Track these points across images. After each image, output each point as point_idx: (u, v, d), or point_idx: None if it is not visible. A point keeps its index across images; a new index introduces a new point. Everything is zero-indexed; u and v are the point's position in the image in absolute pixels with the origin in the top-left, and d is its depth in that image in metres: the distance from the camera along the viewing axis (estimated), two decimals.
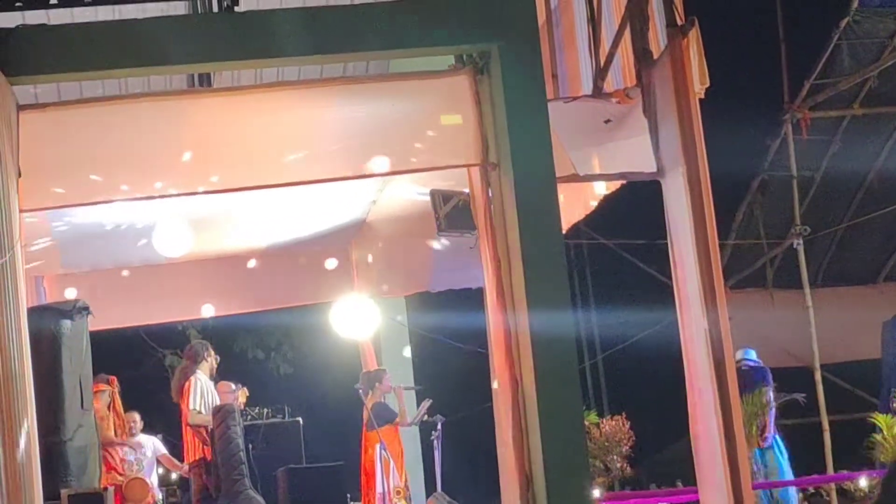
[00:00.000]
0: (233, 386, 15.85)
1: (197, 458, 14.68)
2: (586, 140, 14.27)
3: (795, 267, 20.09)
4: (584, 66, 15.10)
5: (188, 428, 14.93)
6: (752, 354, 16.79)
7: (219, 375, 15.62)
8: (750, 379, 16.06)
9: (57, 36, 12.62)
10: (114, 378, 15.07)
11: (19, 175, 11.81)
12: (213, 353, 15.63)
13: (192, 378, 15.06)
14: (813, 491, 18.70)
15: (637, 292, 19.43)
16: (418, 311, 19.29)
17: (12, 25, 12.27)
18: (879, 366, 19.85)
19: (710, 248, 12.57)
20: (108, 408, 14.83)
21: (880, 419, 17.07)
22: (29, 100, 12.71)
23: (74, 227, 14.96)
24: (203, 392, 14.83)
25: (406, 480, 16.05)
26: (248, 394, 15.84)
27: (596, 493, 17.44)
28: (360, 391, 16.13)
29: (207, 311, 18.21)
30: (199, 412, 14.58)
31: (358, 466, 15.82)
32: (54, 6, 12.71)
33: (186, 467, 15.21)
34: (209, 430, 14.48)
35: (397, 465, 15.73)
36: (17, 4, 12.49)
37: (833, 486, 18.39)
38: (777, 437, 16.39)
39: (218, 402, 15.15)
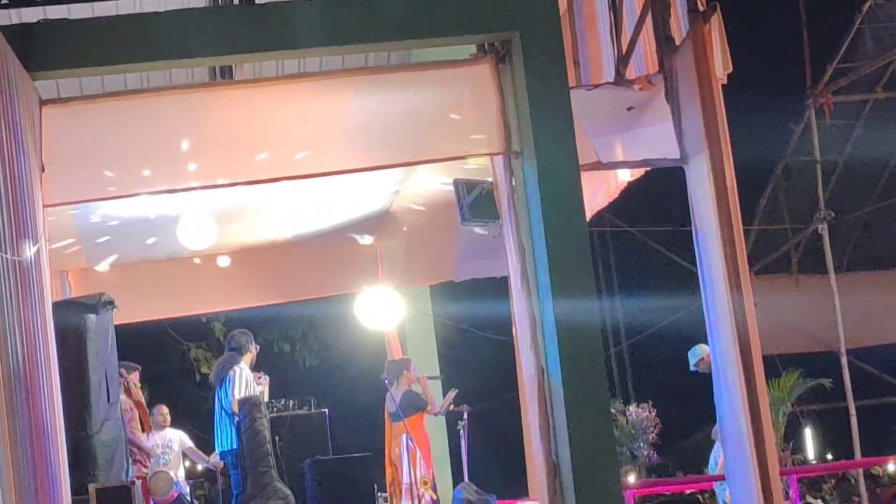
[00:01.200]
0: (265, 378, 15.90)
1: (233, 447, 14.71)
2: (609, 127, 14.27)
3: (820, 252, 20.08)
4: (605, 53, 15.07)
5: (225, 416, 14.95)
6: (706, 349, 16.84)
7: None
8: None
9: (78, 30, 12.63)
10: (134, 368, 15.07)
11: (42, 170, 11.84)
12: (253, 345, 15.68)
13: (237, 368, 15.10)
14: (841, 476, 18.68)
15: (662, 279, 19.42)
16: (442, 300, 19.30)
17: (34, 20, 12.30)
18: None
19: (735, 233, 12.56)
20: (131, 397, 14.84)
21: None
22: (51, 94, 12.74)
23: (98, 221, 14.98)
24: (248, 382, 14.87)
25: (433, 470, 16.06)
26: (268, 381, 15.89)
27: (631, 478, 17.48)
28: (386, 380, 16.14)
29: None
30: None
31: (384, 457, 15.85)
32: (74, 1, 12.71)
33: (215, 458, 15.24)
34: (237, 421, 14.53)
35: (424, 455, 15.73)
36: (37, 1, 12.51)
37: (861, 470, 18.36)
38: None
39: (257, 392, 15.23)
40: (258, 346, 15.80)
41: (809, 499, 18.38)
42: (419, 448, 15.72)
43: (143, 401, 15.37)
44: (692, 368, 16.36)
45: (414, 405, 15.98)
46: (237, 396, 14.80)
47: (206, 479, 15.44)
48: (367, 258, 18.37)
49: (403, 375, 16.25)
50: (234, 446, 14.72)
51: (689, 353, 16.61)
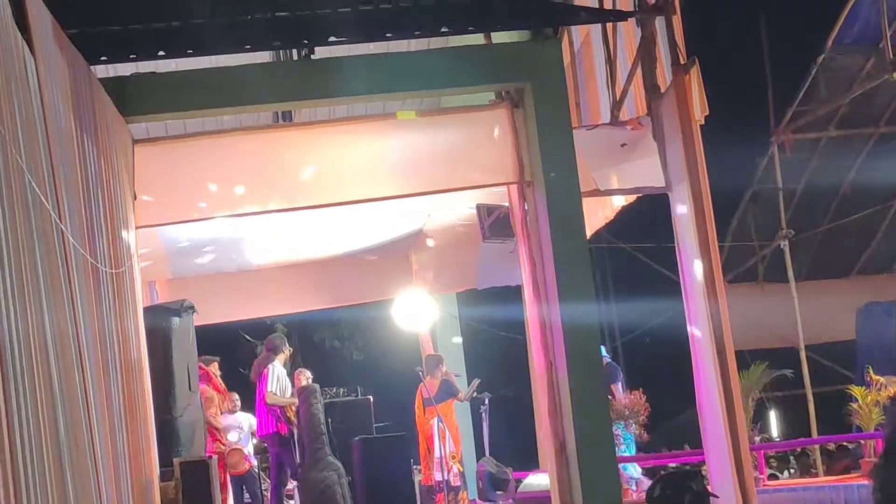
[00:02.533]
0: (307, 373, 15.89)
1: (270, 432, 14.72)
2: (605, 160, 14.26)
3: (782, 264, 20.03)
4: (602, 98, 15.08)
5: (264, 406, 14.97)
6: (603, 350, 16.75)
7: (299, 363, 15.69)
8: (607, 372, 15.98)
9: (164, 81, 12.69)
10: (212, 361, 15.10)
11: (135, 197, 11.90)
12: (288, 345, 15.68)
13: (270, 366, 15.11)
14: (800, 451, 18.61)
15: (649, 287, 19.36)
16: (467, 305, 19.30)
17: (128, 73, 12.37)
18: (854, 346, 19.81)
19: (711, 248, 12.57)
20: (210, 385, 14.86)
21: (856, 391, 17.00)
22: (142, 134, 12.81)
23: (180, 240, 15.02)
24: (279, 378, 14.87)
25: (460, 447, 16.05)
26: (311, 376, 15.87)
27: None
28: (422, 372, 16.14)
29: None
30: (275, 394, 14.64)
31: (417, 436, 15.82)
32: (162, 57, 12.76)
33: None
34: (294, 407, 14.53)
35: (452, 434, 15.73)
36: (132, 56, 12.56)
37: (817, 447, 18.30)
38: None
39: (290, 387, 15.22)
40: (291, 349, 15.81)
41: (774, 471, 18.30)
42: (448, 428, 15.72)
43: (222, 387, 15.41)
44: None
45: (449, 392, 15.98)
46: (270, 390, 14.82)
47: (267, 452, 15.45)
48: (403, 269, 18.37)
49: (438, 368, 16.24)
50: (271, 431, 14.73)
51: None
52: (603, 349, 16.60)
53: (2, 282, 5.01)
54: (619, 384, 15.99)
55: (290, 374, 15.64)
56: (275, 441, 14.67)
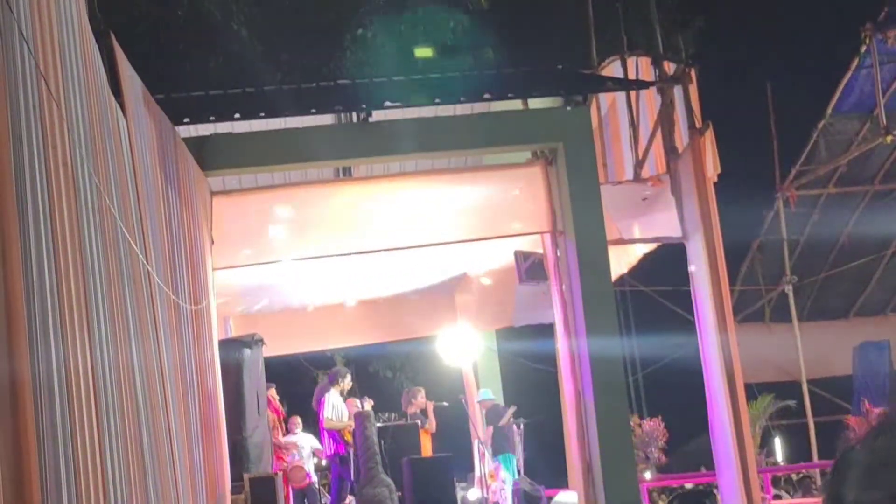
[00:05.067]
0: (357, 402, 15.86)
1: (332, 452, 14.71)
2: (629, 213, 14.24)
3: (787, 306, 19.93)
4: (626, 158, 15.06)
5: (324, 431, 14.99)
6: (489, 393, 16.60)
7: (355, 391, 15.67)
8: (495, 412, 15.84)
9: (239, 140, 12.78)
10: (273, 387, 15.13)
11: (212, 242, 11.95)
12: (348, 378, 15.66)
13: (327, 395, 15.11)
14: (803, 474, 18.46)
15: (667, 326, 19.26)
16: (505, 340, 19.25)
17: (207, 133, 12.45)
18: (852, 380, 19.68)
19: (723, 292, 12.54)
20: (275, 410, 14.88)
21: (852, 420, 16.92)
22: (219, 187, 12.87)
23: (252, 281, 15.08)
24: (334, 405, 14.86)
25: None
26: (372, 402, 15.84)
27: (646, 475, 17.30)
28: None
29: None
30: (331, 419, 14.64)
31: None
32: (237, 119, 12.84)
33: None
34: (345, 433, 14.52)
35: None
36: (211, 118, 12.65)
37: (818, 470, 18.15)
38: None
39: (346, 412, 15.20)
40: (350, 382, 15.77)
41: (778, 491, 18.15)
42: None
43: (281, 410, 15.42)
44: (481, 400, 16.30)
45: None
46: (327, 416, 14.81)
47: (329, 471, 15.44)
48: (448, 308, 18.36)
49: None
50: (332, 452, 14.72)
51: (480, 393, 16.54)
52: (489, 392, 16.53)
53: (97, 317, 5.04)
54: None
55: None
56: (336, 460, 14.67)
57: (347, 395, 15.75)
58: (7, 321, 3.63)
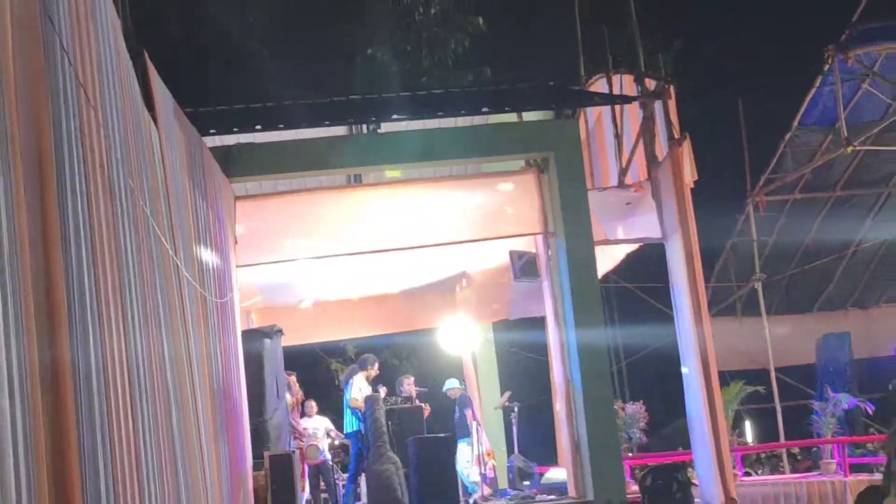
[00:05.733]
0: (381, 387, 15.83)
1: (353, 429, 14.65)
2: (613, 216, 14.24)
3: (756, 301, 19.90)
4: (611, 166, 15.04)
5: (348, 409, 14.93)
6: (455, 382, 16.48)
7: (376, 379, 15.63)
8: (462, 401, 15.74)
9: (260, 150, 12.76)
10: (292, 374, 15.07)
11: (236, 242, 11.92)
12: (376, 366, 15.59)
13: (355, 378, 15.06)
14: (771, 453, 18.43)
15: (648, 319, 19.23)
16: (501, 331, 19.22)
17: (232, 144, 12.43)
18: (815, 368, 19.67)
19: (698, 288, 12.51)
20: (293, 394, 14.82)
21: (817, 405, 16.89)
22: (241, 192, 12.84)
23: (271, 277, 15.04)
24: (360, 388, 14.80)
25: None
26: (386, 390, 15.78)
27: (629, 454, 17.23)
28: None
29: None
30: (356, 399, 14.57)
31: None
32: (258, 131, 12.82)
33: (344, 437, 15.19)
34: (362, 412, 14.47)
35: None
36: (234, 129, 12.62)
37: (784, 450, 18.12)
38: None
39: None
40: (378, 370, 15.71)
41: (748, 468, 18.11)
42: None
43: (301, 395, 15.37)
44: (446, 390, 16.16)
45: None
46: (352, 396, 14.75)
47: (341, 450, 15.37)
48: (449, 303, 18.31)
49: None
50: (354, 429, 14.65)
51: (446, 382, 16.42)
52: (457, 381, 16.46)
53: (131, 308, 5.00)
54: (471, 410, 15.81)
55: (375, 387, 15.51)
56: (357, 437, 14.59)
57: (375, 381, 15.62)
58: (49, 312, 3.59)
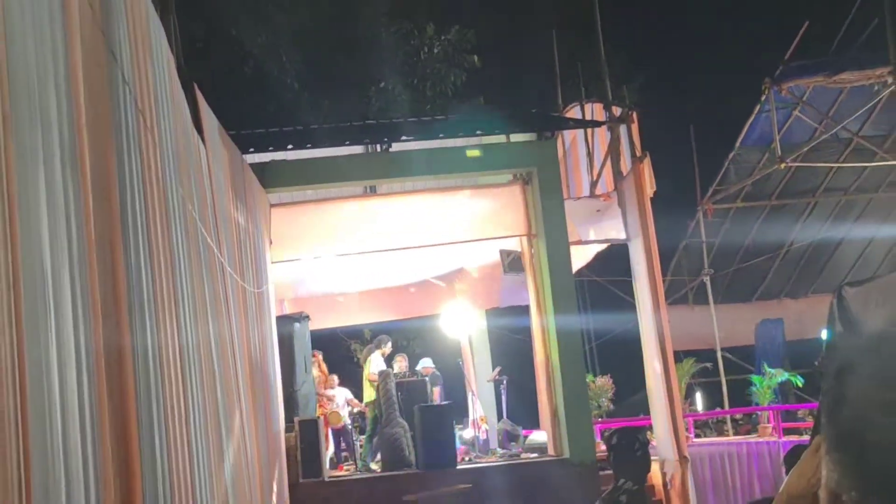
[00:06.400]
0: (402, 356, 15.75)
1: (371, 399, 14.61)
2: (586, 221, 14.21)
3: (705, 292, 19.87)
4: (584, 179, 15.03)
5: (366, 382, 14.89)
6: (429, 361, 16.33)
7: (392, 356, 15.57)
8: (433, 380, 15.63)
9: (292, 165, 12.76)
10: (317, 353, 15.04)
11: (270, 242, 11.90)
12: (389, 345, 15.53)
13: (372, 356, 15.03)
14: (717, 419, 18.40)
15: (614, 307, 19.19)
16: (493, 317, 19.17)
17: (267, 160, 12.41)
18: (754, 349, 19.68)
19: (656, 281, 12.49)
20: (318, 369, 14.80)
21: (755, 379, 16.88)
22: (276, 200, 12.82)
23: (301, 271, 15.02)
24: (376, 364, 14.75)
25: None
26: (405, 360, 15.73)
27: (599, 419, 17.19)
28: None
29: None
30: (374, 373, 14.52)
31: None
32: (290, 150, 12.81)
33: (363, 405, 15.14)
34: (377, 385, 14.42)
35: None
36: (270, 148, 12.61)
37: (728, 416, 18.10)
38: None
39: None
40: (391, 348, 15.65)
41: (699, 431, 18.07)
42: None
43: (325, 370, 15.35)
44: (418, 369, 15.96)
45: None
46: (370, 370, 14.71)
47: (359, 416, 15.33)
48: (449, 293, 18.28)
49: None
50: (371, 399, 14.62)
51: (420, 361, 16.23)
52: (430, 360, 16.34)
53: (182, 299, 4.97)
54: (440, 388, 15.74)
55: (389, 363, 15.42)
56: (374, 405, 14.55)
57: (390, 357, 15.52)
58: (114, 304, 3.56)
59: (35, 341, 2.57)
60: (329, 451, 13.95)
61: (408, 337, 23.53)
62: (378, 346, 15.33)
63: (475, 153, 13.00)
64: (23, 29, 2.70)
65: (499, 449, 14.63)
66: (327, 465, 12.82)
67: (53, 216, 2.84)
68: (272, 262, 11.98)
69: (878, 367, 1.00)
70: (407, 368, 15.60)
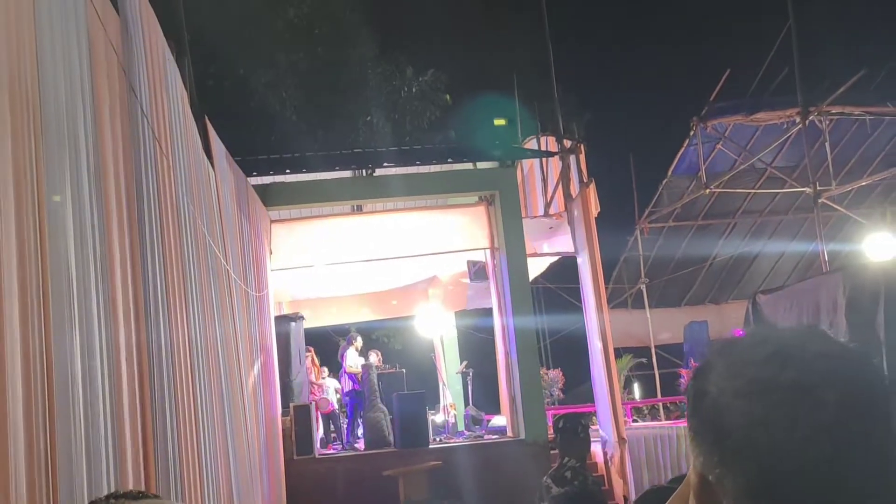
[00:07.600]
0: (377, 351, 15.64)
1: (350, 388, 14.52)
2: (540, 236, 14.22)
3: (642, 298, 19.92)
4: (539, 201, 15.04)
5: (346, 374, 14.77)
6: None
7: (365, 349, 15.41)
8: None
9: (289, 187, 12.67)
10: (311, 348, 14.94)
11: (270, 253, 11.83)
12: (359, 339, 15.40)
13: (347, 351, 14.94)
14: (651, 406, 18.44)
15: (564, 309, 19.20)
16: (461, 318, 19.14)
17: (268, 182, 12.34)
18: (682, 346, 19.75)
19: (601, 288, 12.49)
20: (311, 362, 14.69)
21: (684, 372, 16.93)
22: (275, 217, 12.74)
23: (297, 278, 14.94)
24: (352, 358, 14.65)
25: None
26: (380, 354, 15.62)
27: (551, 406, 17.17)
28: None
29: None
30: (351, 366, 14.43)
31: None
32: (288, 174, 12.75)
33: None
34: (359, 376, 14.31)
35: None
36: (270, 172, 12.54)
37: (661, 404, 18.14)
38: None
39: (359, 363, 14.93)
40: (361, 342, 15.46)
41: (636, 417, 18.10)
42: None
43: (317, 363, 15.25)
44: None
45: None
46: (349, 364, 14.59)
47: (347, 401, 15.20)
48: (423, 297, 18.24)
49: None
50: (348, 389, 14.49)
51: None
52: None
53: (192, 302, 4.93)
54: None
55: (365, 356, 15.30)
56: (352, 394, 14.45)
57: (364, 351, 15.40)
58: (134, 307, 3.53)
59: (61, 342, 2.53)
60: (319, 432, 13.85)
61: (388, 335, 23.44)
62: (351, 343, 15.25)
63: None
64: (54, 68, 2.67)
65: (465, 431, 14.59)
66: (318, 445, 12.74)
67: (80, 231, 2.81)
68: (272, 270, 11.91)
69: (729, 362, 1.03)
70: (381, 361, 15.51)
